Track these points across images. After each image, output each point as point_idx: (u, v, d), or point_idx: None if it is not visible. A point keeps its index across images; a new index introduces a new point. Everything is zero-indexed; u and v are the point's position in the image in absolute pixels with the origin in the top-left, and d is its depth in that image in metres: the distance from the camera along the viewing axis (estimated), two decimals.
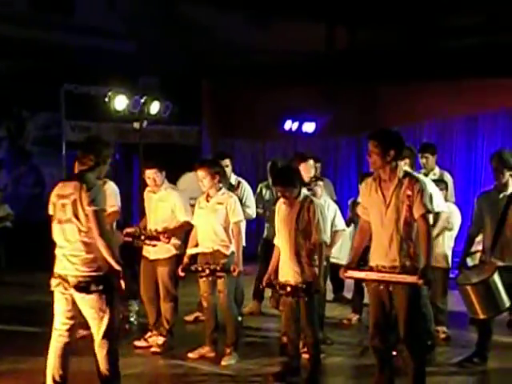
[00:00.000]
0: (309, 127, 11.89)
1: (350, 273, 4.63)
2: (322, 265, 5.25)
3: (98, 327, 4.38)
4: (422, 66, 10.46)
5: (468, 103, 10.75)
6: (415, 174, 4.92)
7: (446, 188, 6.55)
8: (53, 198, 4.47)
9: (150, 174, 6.14)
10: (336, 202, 7.15)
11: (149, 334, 6.30)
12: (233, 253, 5.79)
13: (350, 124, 11.76)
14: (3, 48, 10.09)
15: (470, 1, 10.60)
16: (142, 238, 6.01)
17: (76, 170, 4.68)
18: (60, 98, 11.27)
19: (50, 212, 4.48)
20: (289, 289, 5.14)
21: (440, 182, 6.40)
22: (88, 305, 4.35)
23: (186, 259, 5.87)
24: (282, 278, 5.26)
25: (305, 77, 11.21)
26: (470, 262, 5.89)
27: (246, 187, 7.21)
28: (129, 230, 6.19)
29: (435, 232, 5.84)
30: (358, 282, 6.79)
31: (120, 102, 8.92)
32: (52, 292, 4.46)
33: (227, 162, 7.19)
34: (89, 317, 4.40)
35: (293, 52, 10.93)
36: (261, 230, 7.84)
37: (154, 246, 6.02)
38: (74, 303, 4.39)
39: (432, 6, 10.62)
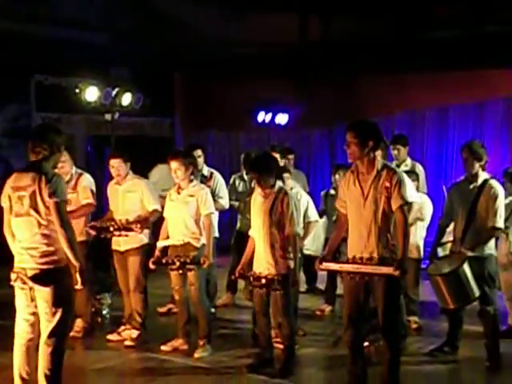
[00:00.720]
0: (282, 119, 11.88)
1: (326, 265, 4.62)
2: (297, 257, 5.27)
3: (47, 322, 4.22)
4: (395, 58, 10.50)
5: (439, 95, 10.84)
6: (393, 165, 4.94)
7: (418, 179, 6.60)
8: (7, 189, 4.29)
9: (115, 164, 6.08)
10: (309, 193, 7.16)
11: (122, 327, 6.26)
12: (203, 245, 5.76)
13: (324, 116, 11.79)
14: None
15: None
16: (111, 229, 5.91)
17: (30, 160, 4.38)
18: (30, 89, 11.10)
19: (3, 204, 4.33)
20: (264, 281, 5.13)
21: (411, 173, 6.44)
22: (42, 298, 4.20)
23: (157, 252, 5.83)
24: (256, 270, 5.26)
25: (278, 68, 11.19)
26: (440, 252, 5.96)
27: (218, 178, 7.20)
28: (93, 223, 6.11)
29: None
30: (332, 274, 6.83)
31: (91, 94, 8.81)
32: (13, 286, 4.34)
33: (199, 152, 7.18)
34: (41, 311, 4.24)
35: (266, 44, 10.89)
36: (234, 222, 7.82)
37: (126, 236, 5.96)
38: (33, 299, 4.26)
39: None
